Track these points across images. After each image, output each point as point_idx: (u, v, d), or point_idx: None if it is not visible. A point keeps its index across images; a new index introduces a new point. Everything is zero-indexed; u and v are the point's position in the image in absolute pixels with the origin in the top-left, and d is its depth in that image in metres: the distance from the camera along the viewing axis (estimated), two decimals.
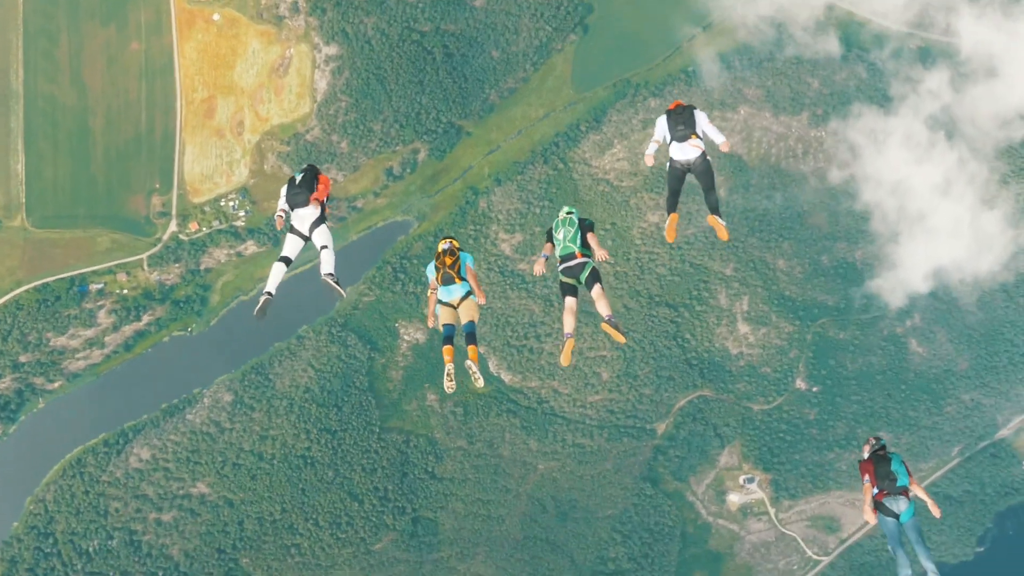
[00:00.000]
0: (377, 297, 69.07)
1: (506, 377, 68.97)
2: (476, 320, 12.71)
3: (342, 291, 12.64)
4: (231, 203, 68.47)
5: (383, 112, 68.44)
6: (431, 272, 12.86)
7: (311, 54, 68.25)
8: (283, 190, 13.11)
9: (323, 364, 68.35)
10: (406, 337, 69.07)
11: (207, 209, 68.53)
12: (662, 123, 12.68)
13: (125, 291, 67.56)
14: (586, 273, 12.65)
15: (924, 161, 69.79)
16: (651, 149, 13.05)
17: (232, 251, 68.81)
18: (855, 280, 71.10)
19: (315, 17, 67.55)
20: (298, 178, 12.75)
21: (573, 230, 12.56)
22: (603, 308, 12.60)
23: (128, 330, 67.46)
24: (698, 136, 12.47)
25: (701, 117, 12.54)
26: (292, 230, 12.89)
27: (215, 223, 68.52)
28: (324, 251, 12.67)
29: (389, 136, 69.07)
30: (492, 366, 69.08)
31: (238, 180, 68.61)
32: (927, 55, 71.50)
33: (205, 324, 68.62)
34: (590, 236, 12.73)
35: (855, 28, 70.58)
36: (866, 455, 12.92)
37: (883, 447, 12.80)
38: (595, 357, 69.93)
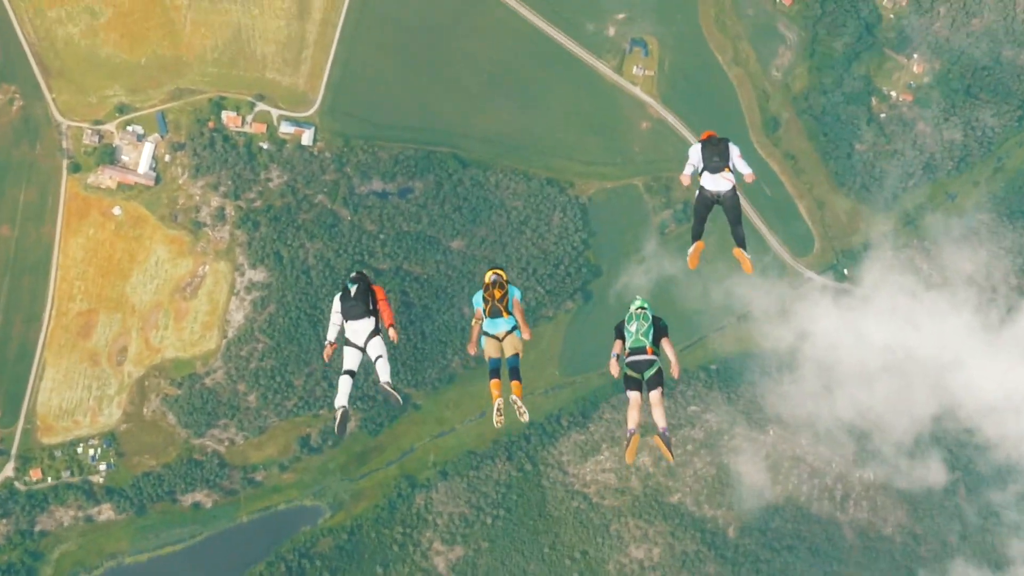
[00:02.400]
0: None
1: None
2: (521, 354, 16.42)
3: (399, 397, 16.39)
4: (91, 451, 72.40)
5: (310, 364, 72.88)
6: (478, 303, 16.49)
7: (231, 276, 73.17)
8: (335, 302, 16.41)
9: None
10: None
11: (58, 454, 72.31)
12: (696, 151, 16.38)
13: None
14: (652, 372, 15.79)
15: None
16: (688, 171, 16.54)
17: (81, 513, 72.15)
18: None
19: (244, 231, 72.46)
20: (352, 289, 16.05)
21: (647, 325, 15.84)
22: (659, 418, 15.84)
23: None
24: (731, 170, 16.06)
25: (734, 151, 16.25)
26: (348, 342, 16.16)
27: (65, 473, 72.07)
28: (380, 360, 16.20)
29: (312, 396, 73.19)
30: None
31: (106, 423, 72.54)
32: None
33: None
34: (665, 341, 16.01)
35: (969, 453, 73.92)
36: None
37: None
38: None
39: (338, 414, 16.25)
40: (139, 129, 74.68)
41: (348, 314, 16.03)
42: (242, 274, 75.50)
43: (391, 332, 16.27)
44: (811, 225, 79.40)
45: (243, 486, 74.93)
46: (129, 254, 75.13)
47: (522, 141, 77.04)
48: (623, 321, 16.17)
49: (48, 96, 74.25)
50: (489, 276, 16.51)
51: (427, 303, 76.06)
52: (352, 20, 75.61)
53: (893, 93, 78.94)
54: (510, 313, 16.24)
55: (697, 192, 16.47)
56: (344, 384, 16.28)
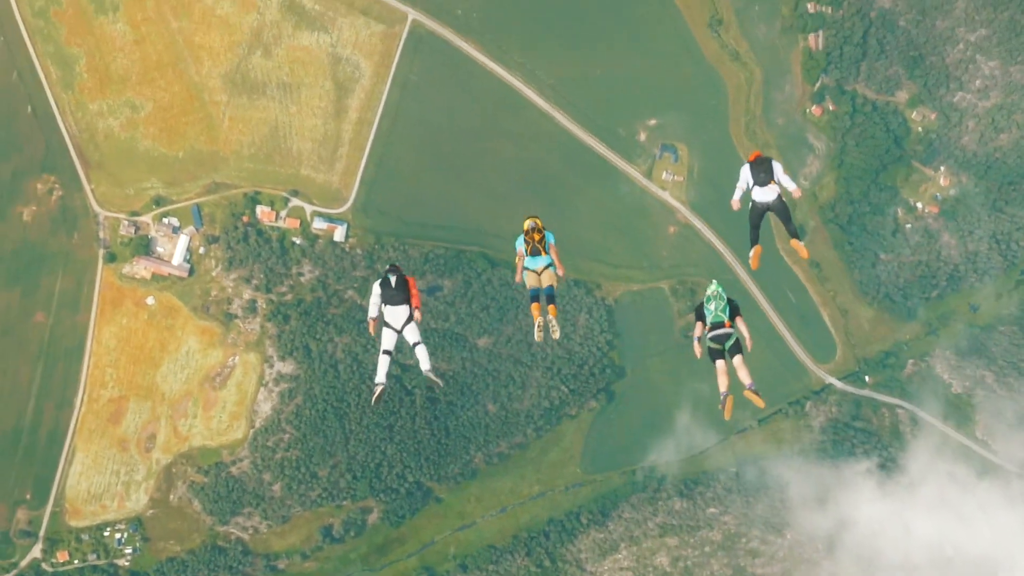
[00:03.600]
0: None
1: None
2: (556, 285, 20.78)
3: (439, 382, 20.04)
4: (117, 535, 76.25)
5: (334, 456, 76.33)
6: (520, 244, 20.75)
7: (260, 367, 76.64)
8: (375, 288, 19.70)
9: None
10: None
11: (85, 537, 76.23)
12: (746, 171, 20.11)
13: None
14: (731, 342, 19.49)
15: None
16: (738, 195, 20.44)
17: None
18: None
19: (274, 324, 76.03)
20: (392, 280, 19.55)
21: (723, 303, 19.46)
22: (745, 376, 19.39)
23: None
24: (776, 183, 19.80)
25: (778, 167, 19.95)
26: (387, 325, 19.42)
27: (91, 556, 76.08)
28: (418, 348, 19.62)
29: (337, 487, 76.76)
30: None
31: (133, 507, 76.35)
32: None
33: None
34: (739, 319, 19.67)
35: None
36: None
37: None
38: None
39: (377, 389, 19.94)
40: (175, 221, 78.54)
41: (389, 300, 19.31)
42: (271, 366, 79.22)
43: (416, 313, 19.60)
44: (834, 332, 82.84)
45: (266, 574, 78.60)
46: (161, 343, 78.97)
47: None
48: (702, 304, 19.68)
49: (87, 187, 78.10)
50: (528, 224, 20.51)
51: (452, 399, 79.69)
52: (387, 120, 79.31)
53: (919, 205, 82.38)
54: (547, 252, 20.39)
55: (750, 205, 20.24)
56: (383, 363, 19.76)
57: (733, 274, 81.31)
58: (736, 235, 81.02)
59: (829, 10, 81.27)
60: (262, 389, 79.03)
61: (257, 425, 78.83)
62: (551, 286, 20.66)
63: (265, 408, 78.99)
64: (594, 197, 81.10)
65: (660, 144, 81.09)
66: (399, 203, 79.80)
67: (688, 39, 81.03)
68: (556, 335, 20.78)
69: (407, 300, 19.34)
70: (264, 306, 78.93)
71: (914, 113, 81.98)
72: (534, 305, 20.62)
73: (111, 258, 78.03)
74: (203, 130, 78.55)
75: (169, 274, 78.26)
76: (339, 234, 79.05)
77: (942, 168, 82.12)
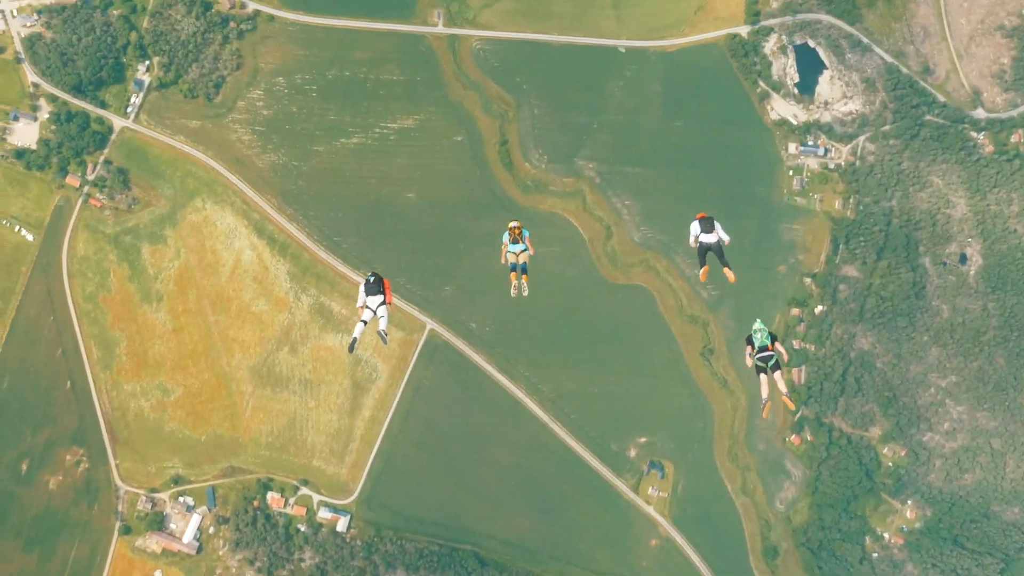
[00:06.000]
0: None
1: None
2: (528, 263, 32.34)
3: (385, 339, 29.93)
4: None
5: None
6: (506, 237, 32.09)
7: None
8: (361, 285, 29.94)
9: None
10: None
11: None
12: (695, 224, 30.71)
13: None
14: (772, 361, 28.81)
15: None
16: (692, 239, 30.74)
17: None
18: None
19: None
20: (372, 279, 29.94)
21: (766, 333, 29.07)
22: (782, 386, 29.16)
23: None
24: (715, 232, 30.65)
25: (717, 224, 30.75)
26: (366, 307, 29.55)
27: None
28: (382, 318, 29.68)
29: None
30: None
31: None
32: None
33: None
34: (777, 343, 29.35)
35: None
36: None
37: None
38: None
39: (351, 342, 29.57)
40: (190, 500, 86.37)
41: (369, 292, 29.35)
42: None
43: (389, 306, 29.64)
44: None
45: None
46: None
47: (539, 546, 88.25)
48: (751, 334, 29.12)
49: (112, 462, 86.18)
50: (512, 224, 31.66)
51: None
52: (398, 420, 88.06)
53: (886, 535, 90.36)
54: (523, 241, 31.55)
55: (698, 246, 30.37)
56: (358, 328, 29.25)
57: None
58: (718, 558, 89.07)
59: (812, 347, 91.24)
60: None
61: None
62: (525, 263, 32.01)
63: None
64: (584, 507, 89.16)
65: (648, 461, 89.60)
66: (401, 499, 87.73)
67: (681, 364, 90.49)
68: (525, 293, 31.91)
69: (381, 292, 29.43)
70: None
71: (886, 449, 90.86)
72: (512, 274, 31.92)
73: (126, 531, 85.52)
74: (226, 417, 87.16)
75: (179, 550, 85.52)
76: (342, 524, 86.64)
77: (909, 502, 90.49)
